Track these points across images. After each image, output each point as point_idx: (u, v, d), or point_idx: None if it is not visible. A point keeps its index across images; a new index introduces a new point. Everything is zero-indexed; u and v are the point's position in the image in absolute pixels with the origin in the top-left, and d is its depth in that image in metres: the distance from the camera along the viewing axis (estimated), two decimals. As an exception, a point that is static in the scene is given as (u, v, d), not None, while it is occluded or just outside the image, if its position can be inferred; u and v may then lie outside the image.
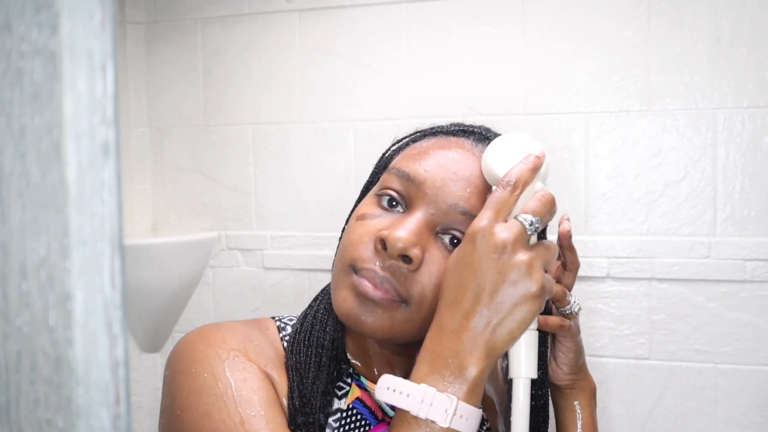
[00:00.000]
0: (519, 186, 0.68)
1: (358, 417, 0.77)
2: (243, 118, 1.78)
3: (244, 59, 1.77)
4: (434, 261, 0.72)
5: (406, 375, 0.80)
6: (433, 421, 0.62)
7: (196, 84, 1.81)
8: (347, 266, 0.74)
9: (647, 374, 1.53)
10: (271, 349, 0.79)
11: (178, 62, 1.83)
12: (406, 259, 0.71)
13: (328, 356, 0.79)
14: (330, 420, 0.77)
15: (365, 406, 0.79)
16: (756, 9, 1.44)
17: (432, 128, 0.84)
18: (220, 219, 1.81)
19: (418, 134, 0.84)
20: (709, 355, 1.49)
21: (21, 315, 0.31)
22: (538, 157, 0.70)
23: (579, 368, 0.90)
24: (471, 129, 0.82)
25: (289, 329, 0.83)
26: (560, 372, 0.89)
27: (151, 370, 1.86)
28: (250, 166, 1.78)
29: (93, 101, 0.29)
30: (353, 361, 0.82)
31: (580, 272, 1.53)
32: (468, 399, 0.63)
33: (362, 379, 0.81)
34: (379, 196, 0.77)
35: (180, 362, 0.73)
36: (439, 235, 0.73)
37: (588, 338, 1.55)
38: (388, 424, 0.77)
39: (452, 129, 0.83)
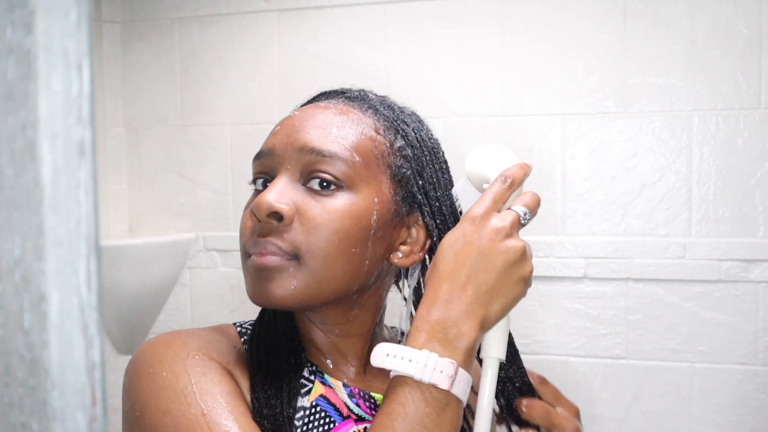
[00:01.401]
0: (515, 184, 0.75)
1: (322, 414, 0.77)
2: (221, 118, 1.77)
3: (221, 59, 1.76)
4: (308, 207, 0.73)
5: (358, 359, 0.82)
6: (435, 386, 0.65)
7: (173, 84, 1.80)
8: (243, 254, 0.77)
9: (623, 374, 1.54)
10: (233, 351, 0.78)
11: (155, 62, 1.82)
12: (277, 216, 0.72)
13: (285, 349, 0.79)
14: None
15: (329, 403, 0.78)
16: (730, 13, 1.46)
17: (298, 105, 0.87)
18: (198, 220, 1.80)
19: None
20: (684, 355, 1.50)
21: (-5, 317, 0.30)
22: (529, 165, 0.78)
23: None
24: (327, 91, 0.87)
25: (250, 334, 0.82)
26: None
27: (127, 372, 1.84)
28: (227, 167, 1.77)
29: (68, 101, 0.29)
30: (310, 359, 0.82)
31: (557, 273, 1.54)
32: (465, 365, 0.67)
33: (326, 376, 0.80)
34: (254, 184, 0.81)
35: (138, 366, 0.73)
36: (306, 185, 0.75)
37: (565, 338, 1.56)
38: (355, 421, 0.78)
39: (308, 101, 0.87)
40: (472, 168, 0.79)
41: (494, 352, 0.73)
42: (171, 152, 1.81)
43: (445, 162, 0.85)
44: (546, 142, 1.56)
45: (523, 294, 0.73)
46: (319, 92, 0.89)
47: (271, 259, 0.72)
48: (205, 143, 1.78)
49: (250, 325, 0.84)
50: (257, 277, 0.74)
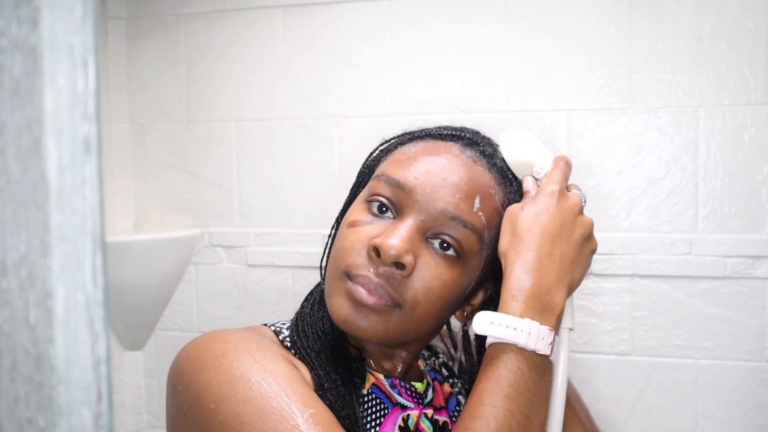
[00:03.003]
0: (571, 166, 0.82)
1: (378, 401, 0.80)
2: (226, 114, 1.77)
3: (226, 55, 1.76)
4: (426, 266, 0.75)
5: (404, 364, 0.85)
6: (537, 352, 0.70)
7: (178, 80, 1.80)
8: (341, 273, 0.76)
9: (629, 370, 1.54)
10: (281, 348, 0.79)
11: (160, 58, 1.82)
12: (399, 266, 0.73)
13: (332, 346, 0.80)
14: None
15: (381, 391, 0.81)
16: (736, 7, 1.45)
17: (420, 131, 0.87)
18: (203, 216, 1.80)
19: (406, 137, 0.86)
20: (689, 351, 1.50)
21: (1, 313, 0.30)
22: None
23: None
24: (459, 134, 0.85)
25: (285, 332, 0.83)
26: None
27: (133, 368, 1.85)
28: (233, 162, 1.77)
29: (74, 97, 0.29)
30: (360, 357, 0.84)
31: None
32: (557, 330, 0.73)
33: (368, 369, 0.83)
34: (369, 202, 0.79)
35: (198, 361, 0.72)
36: (430, 240, 0.76)
37: (571, 334, 1.56)
38: (401, 408, 0.81)
39: (440, 133, 0.85)
40: (514, 154, 0.84)
41: (566, 322, 0.78)
42: (176, 148, 1.82)
43: None
44: (551, 137, 1.56)
45: (589, 266, 0.80)
46: (450, 126, 0.88)
47: (377, 302, 0.74)
48: (210, 139, 1.78)
49: (281, 324, 0.85)
50: (354, 307, 0.75)
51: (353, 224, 0.78)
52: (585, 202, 0.81)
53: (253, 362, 0.70)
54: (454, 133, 0.85)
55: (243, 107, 1.75)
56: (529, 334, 0.69)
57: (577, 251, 0.76)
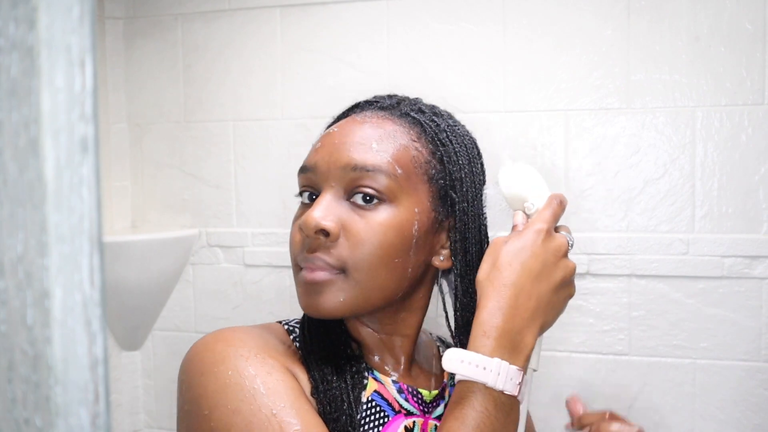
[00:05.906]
0: (565, 206, 0.81)
1: (378, 409, 0.80)
2: (223, 114, 1.77)
3: (224, 55, 1.76)
4: (352, 223, 0.77)
5: (405, 356, 0.86)
6: (504, 392, 0.70)
7: (175, 80, 1.80)
8: (294, 266, 0.81)
9: (626, 370, 1.54)
10: (287, 349, 0.80)
11: (158, 58, 1.82)
12: (324, 233, 0.76)
13: (334, 346, 0.82)
14: None
15: (383, 398, 0.81)
16: (734, 8, 1.45)
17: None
18: (201, 216, 1.80)
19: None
20: (687, 351, 1.50)
21: (-2, 313, 0.30)
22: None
23: None
24: (358, 104, 0.90)
25: (297, 332, 0.85)
26: None
27: (130, 368, 1.84)
28: (230, 162, 1.77)
29: (71, 97, 0.29)
30: (361, 355, 0.85)
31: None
32: (524, 370, 0.72)
33: (375, 373, 0.83)
34: (300, 196, 0.84)
35: (200, 363, 0.74)
36: (350, 200, 0.78)
37: (568, 334, 1.56)
38: (405, 415, 0.81)
39: (343, 113, 0.90)
40: (510, 187, 0.83)
41: (531, 363, 0.76)
42: (174, 148, 1.81)
43: (480, 160, 0.88)
44: (549, 138, 1.56)
45: (563, 311, 0.79)
46: (352, 103, 0.92)
47: (320, 274, 0.76)
48: (207, 139, 1.78)
49: (296, 322, 0.87)
50: (308, 291, 0.77)
51: (294, 222, 0.82)
52: (572, 245, 0.80)
53: (249, 371, 0.72)
54: (355, 105, 0.90)
55: (241, 107, 1.75)
56: (498, 374, 0.69)
57: (554, 293, 0.75)
